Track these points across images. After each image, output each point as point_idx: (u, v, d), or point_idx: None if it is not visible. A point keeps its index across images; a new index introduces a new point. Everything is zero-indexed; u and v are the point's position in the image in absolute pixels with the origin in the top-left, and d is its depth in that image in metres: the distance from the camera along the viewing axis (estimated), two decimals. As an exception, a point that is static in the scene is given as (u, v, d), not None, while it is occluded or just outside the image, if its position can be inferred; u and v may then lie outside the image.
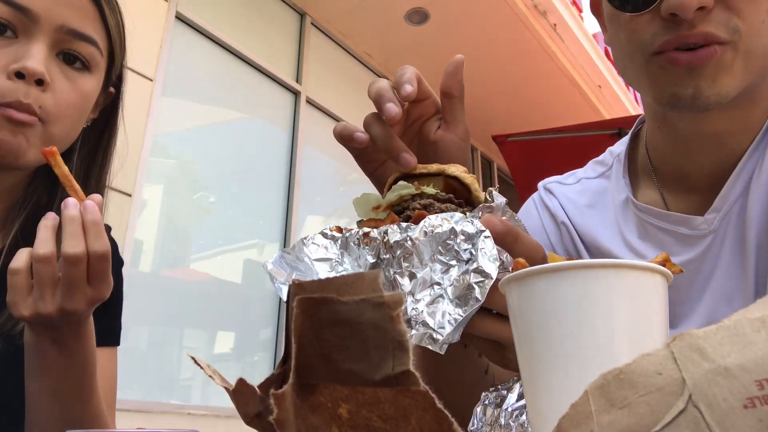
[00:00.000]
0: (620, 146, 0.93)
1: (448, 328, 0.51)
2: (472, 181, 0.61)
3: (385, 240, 0.56)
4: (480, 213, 0.56)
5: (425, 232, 0.55)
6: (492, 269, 0.52)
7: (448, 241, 0.54)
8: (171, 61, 3.52)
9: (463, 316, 0.52)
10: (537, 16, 5.03)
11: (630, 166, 0.89)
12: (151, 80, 3.33)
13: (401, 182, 0.61)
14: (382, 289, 0.24)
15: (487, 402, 0.56)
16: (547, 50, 5.28)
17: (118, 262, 1.00)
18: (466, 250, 0.53)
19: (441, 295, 0.53)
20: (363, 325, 0.24)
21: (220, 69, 3.96)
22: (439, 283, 0.53)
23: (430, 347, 0.51)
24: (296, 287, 0.26)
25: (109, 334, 0.99)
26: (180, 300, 3.53)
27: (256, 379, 0.33)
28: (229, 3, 4.13)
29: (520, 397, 0.54)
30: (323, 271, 0.59)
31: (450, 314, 0.52)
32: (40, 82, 0.77)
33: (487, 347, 0.59)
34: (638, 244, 0.82)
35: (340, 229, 0.61)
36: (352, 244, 0.59)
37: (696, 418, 0.23)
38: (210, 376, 0.32)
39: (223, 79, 4.00)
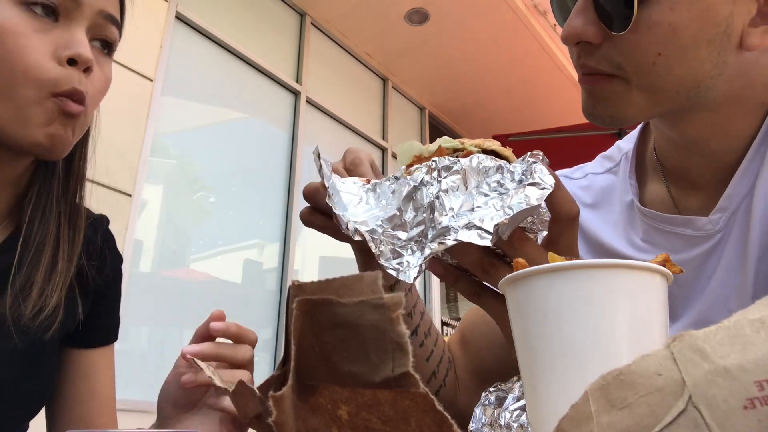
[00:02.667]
0: (628, 142, 0.92)
1: (498, 219, 0.50)
2: (509, 154, 0.61)
3: (432, 166, 0.56)
4: (527, 158, 0.57)
5: (475, 162, 0.55)
6: (549, 182, 0.52)
7: (494, 176, 0.54)
8: (171, 61, 3.51)
9: (515, 211, 0.50)
10: (537, 16, 5.03)
11: (638, 163, 0.89)
12: (151, 80, 3.33)
13: (445, 137, 0.62)
14: (382, 291, 0.24)
15: (487, 402, 0.56)
16: (547, 50, 5.28)
17: (116, 258, 1.00)
18: (514, 182, 0.53)
19: (487, 209, 0.52)
20: (362, 326, 0.24)
21: (220, 69, 3.96)
22: (481, 207, 0.53)
23: (478, 243, 0.50)
24: (296, 288, 0.26)
25: (111, 331, 1.00)
26: (180, 300, 3.53)
27: (256, 380, 0.33)
28: (229, 3, 4.13)
29: (520, 397, 0.54)
30: (350, 194, 0.60)
31: (499, 218, 0.51)
32: (87, 70, 0.77)
33: (500, 308, 0.59)
34: (643, 245, 0.81)
35: (368, 180, 0.62)
36: (386, 182, 0.59)
37: (696, 419, 0.23)
38: (210, 377, 0.32)
39: (223, 79, 4.00)
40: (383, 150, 5.19)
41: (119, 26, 0.84)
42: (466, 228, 0.51)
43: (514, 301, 0.43)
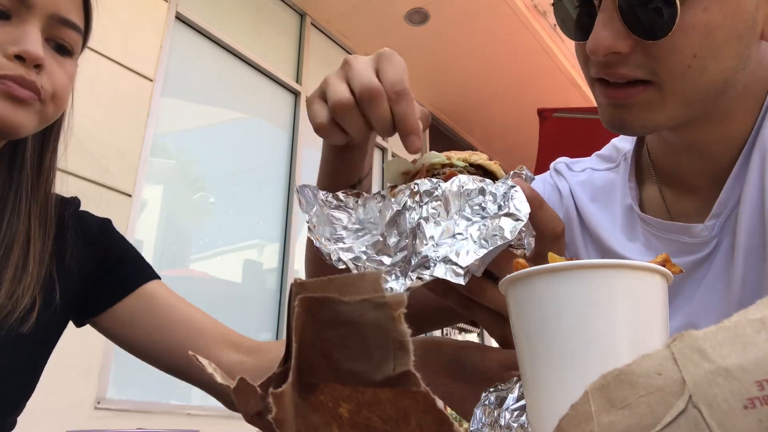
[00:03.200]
0: (625, 142, 0.92)
1: (472, 257, 0.51)
2: (497, 168, 0.61)
3: (414, 190, 0.56)
4: (510, 179, 0.57)
5: (456, 186, 0.55)
6: (524, 212, 0.52)
7: (476, 199, 0.54)
8: (171, 61, 3.51)
9: (489, 249, 0.51)
10: (537, 16, 5.03)
11: (636, 164, 0.88)
12: (151, 80, 3.33)
13: (432, 151, 0.62)
14: (384, 290, 0.24)
15: (487, 402, 0.56)
16: (547, 50, 5.28)
17: (96, 226, 1.02)
18: (495, 205, 0.53)
19: (465, 239, 0.52)
20: (364, 325, 0.24)
21: (220, 69, 3.96)
22: (462, 234, 0.53)
23: (452, 280, 0.50)
24: (298, 286, 0.26)
25: (139, 272, 1.02)
26: (180, 300, 3.52)
27: (256, 379, 0.33)
28: (229, 3, 4.13)
29: (520, 397, 0.54)
30: (342, 216, 0.60)
31: (474, 253, 0.51)
32: (37, 66, 0.78)
33: (489, 319, 0.59)
34: (643, 250, 0.81)
35: (358, 194, 0.62)
36: (373, 200, 0.60)
37: (696, 419, 0.23)
38: (211, 374, 0.32)
39: (223, 79, 4.00)
40: (383, 150, 5.19)
41: (79, 29, 0.85)
42: (444, 262, 0.52)
43: (514, 301, 0.43)
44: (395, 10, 4.70)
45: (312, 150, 4.44)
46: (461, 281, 0.50)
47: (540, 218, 0.57)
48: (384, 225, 0.56)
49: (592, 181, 0.92)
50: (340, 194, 0.62)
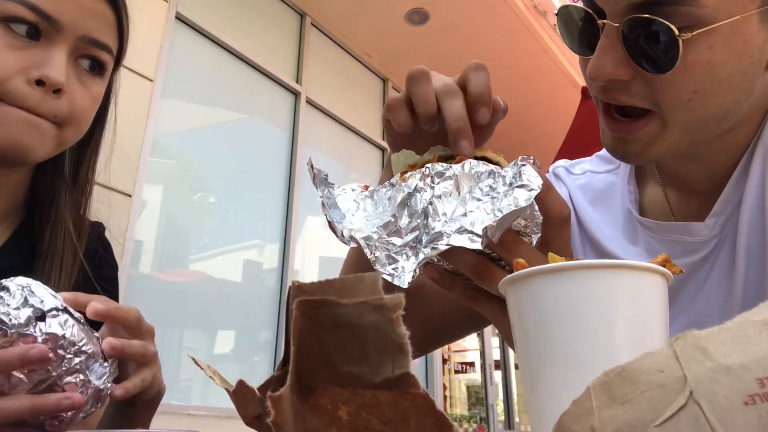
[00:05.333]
0: None
1: (488, 222, 0.51)
2: (501, 159, 0.61)
3: (426, 173, 0.57)
4: (519, 161, 0.57)
5: (467, 168, 0.56)
6: (536, 183, 0.52)
7: (486, 180, 0.55)
8: (171, 62, 3.51)
9: (504, 213, 0.51)
10: (537, 17, 5.03)
11: (638, 165, 0.88)
12: (151, 81, 3.33)
13: (439, 145, 0.63)
14: (382, 292, 0.24)
15: None
16: (547, 50, 5.28)
17: (111, 266, 1.00)
18: (505, 186, 0.54)
19: (479, 212, 0.53)
20: (363, 327, 0.24)
21: (220, 69, 3.96)
22: (473, 211, 0.53)
23: (469, 246, 0.51)
24: (296, 289, 0.26)
25: None
26: (180, 300, 3.53)
27: (256, 380, 0.33)
28: (229, 3, 4.13)
29: None
30: (347, 201, 0.60)
31: (489, 221, 0.51)
32: (57, 91, 0.78)
33: (496, 308, 0.59)
34: (643, 254, 0.81)
35: (366, 187, 0.63)
36: (382, 189, 0.60)
37: (696, 414, 0.24)
38: (210, 377, 0.32)
39: (223, 79, 4.00)
40: (383, 150, 5.19)
41: (110, 50, 0.85)
42: (458, 232, 0.52)
43: (515, 302, 0.43)
44: (395, 10, 4.70)
45: (312, 150, 4.44)
46: (478, 246, 0.50)
47: (547, 201, 0.57)
48: (395, 207, 0.57)
49: (592, 185, 0.91)
50: (348, 187, 0.63)
